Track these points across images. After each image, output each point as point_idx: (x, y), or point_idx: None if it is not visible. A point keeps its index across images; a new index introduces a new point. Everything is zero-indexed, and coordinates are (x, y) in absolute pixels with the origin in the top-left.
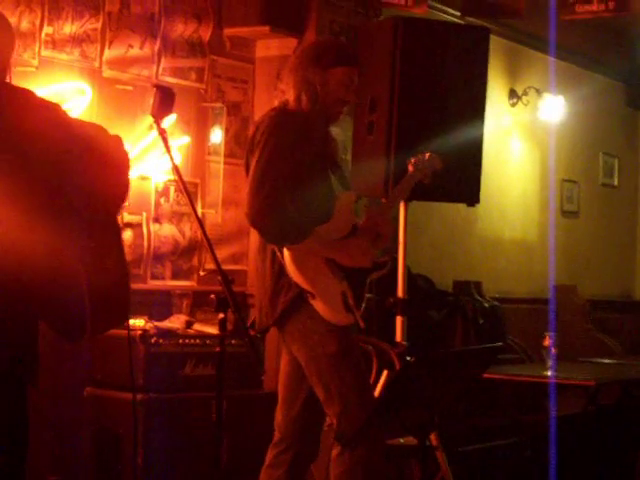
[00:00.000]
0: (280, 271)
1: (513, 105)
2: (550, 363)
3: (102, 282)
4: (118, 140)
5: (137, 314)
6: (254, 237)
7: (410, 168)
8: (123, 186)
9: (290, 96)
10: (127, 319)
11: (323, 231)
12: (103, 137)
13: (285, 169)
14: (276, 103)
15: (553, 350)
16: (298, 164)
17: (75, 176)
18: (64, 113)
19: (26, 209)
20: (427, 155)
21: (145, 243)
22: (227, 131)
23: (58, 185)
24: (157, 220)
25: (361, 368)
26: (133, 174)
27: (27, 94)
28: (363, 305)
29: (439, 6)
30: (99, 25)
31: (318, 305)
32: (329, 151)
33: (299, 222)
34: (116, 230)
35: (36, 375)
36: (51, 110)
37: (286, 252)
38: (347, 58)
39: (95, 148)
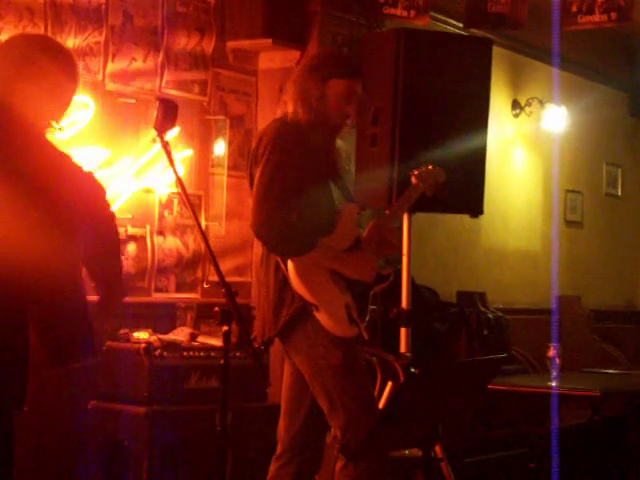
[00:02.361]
0: (284, 283)
1: (516, 116)
2: (554, 374)
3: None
4: (89, 175)
5: (141, 327)
6: (258, 249)
7: (413, 180)
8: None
9: (289, 107)
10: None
11: (327, 243)
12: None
13: (289, 180)
14: (278, 114)
15: (557, 361)
16: (301, 175)
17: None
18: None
19: (29, 223)
20: (430, 167)
21: (149, 256)
22: (230, 143)
23: (56, 203)
24: (161, 233)
25: (365, 380)
26: (137, 187)
27: (29, 129)
28: (367, 317)
29: (442, 17)
30: (102, 38)
31: (322, 317)
32: (331, 162)
33: (304, 233)
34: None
35: (23, 399)
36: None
37: (290, 264)
38: (347, 70)
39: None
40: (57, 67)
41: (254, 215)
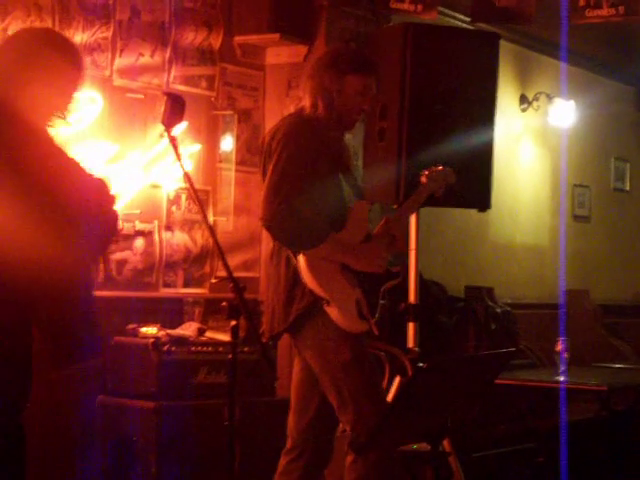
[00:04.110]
0: (294, 278)
1: (524, 110)
2: (562, 368)
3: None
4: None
5: (149, 322)
6: (266, 244)
7: (423, 180)
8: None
9: (306, 102)
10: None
11: (338, 238)
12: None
13: (301, 175)
14: (292, 109)
15: (565, 355)
16: (313, 170)
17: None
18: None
19: (34, 224)
20: (440, 168)
21: (157, 251)
22: (238, 138)
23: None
24: (169, 228)
25: (374, 375)
26: (144, 182)
27: (41, 134)
28: (377, 313)
29: (449, 12)
30: (110, 34)
31: (332, 312)
32: (343, 158)
33: (314, 227)
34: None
35: (27, 396)
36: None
37: (301, 258)
38: (364, 66)
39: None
40: (62, 59)
41: (264, 208)
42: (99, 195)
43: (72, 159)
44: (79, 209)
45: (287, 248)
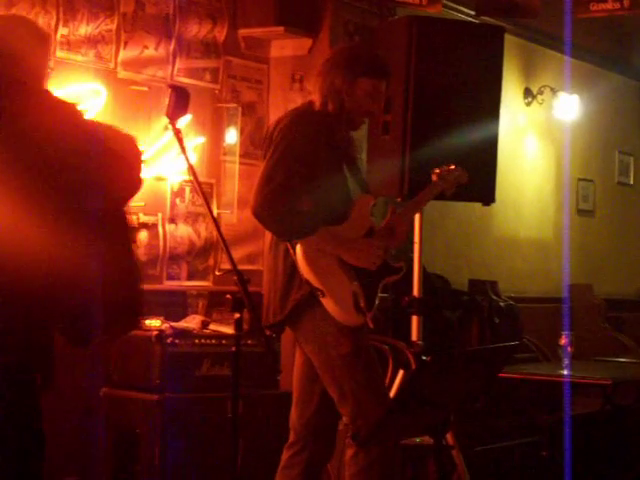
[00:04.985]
0: (292, 269)
1: (528, 104)
2: (566, 362)
3: (115, 283)
4: (131, 139)
5: (153, 314)
6: (268, 236)
7: (434, 178)
8: (135, 184)
9: (316, 99)
10: (140, 321)
11: (338, 232)
12: (116, 137)
13: (298, 168)
14: (298, 101)
15: (569, 349)
16: (317, 164)
17: (90, 176)
18: (80, 113)
19: (43, 211)
20: (452, 168)
21: (161, 244)
22: (242, 131)
23: (74, 186)
24: (173, 221)
25: (375, 368)
26: (148, 174)
27: (45, 95)
28: (374, 307)
29: (454, 5)
30: (114, 26)
31: (328, 304)
32: (349, 153)
33: (304, 218)
34: (127, 229)
35: (51, 380)
36: (68, 111)
37: (298, 249)
38: (377, 70)
39: (109, 148)
40: (35, 37)
41: (254, 196)
42: (128, 151)
43: (88, 120)
44: (102, 179)
45: (276, 236)
